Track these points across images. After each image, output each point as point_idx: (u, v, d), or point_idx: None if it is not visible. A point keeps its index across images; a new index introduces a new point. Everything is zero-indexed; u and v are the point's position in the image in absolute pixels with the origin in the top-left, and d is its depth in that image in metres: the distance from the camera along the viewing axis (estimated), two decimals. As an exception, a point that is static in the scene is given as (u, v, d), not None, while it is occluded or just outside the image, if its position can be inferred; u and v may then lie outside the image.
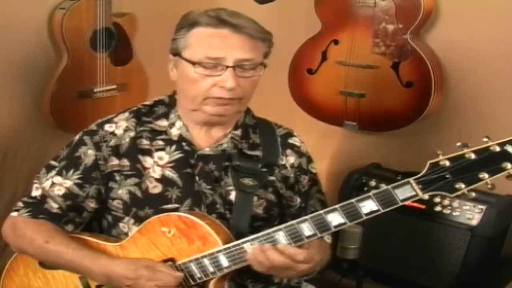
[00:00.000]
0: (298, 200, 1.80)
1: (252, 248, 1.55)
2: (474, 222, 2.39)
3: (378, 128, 2.77)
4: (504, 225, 2.47)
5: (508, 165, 1.41)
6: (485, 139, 1.43)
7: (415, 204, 2.47)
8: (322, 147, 2.96)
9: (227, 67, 1.64)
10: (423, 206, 2.49)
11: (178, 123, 1.75)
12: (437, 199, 2.47)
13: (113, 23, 2.56)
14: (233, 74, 1.64)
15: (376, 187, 2.60)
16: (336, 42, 2.69)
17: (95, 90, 2.57)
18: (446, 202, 2.46)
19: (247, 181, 1.72)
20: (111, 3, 2.51)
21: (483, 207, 2.40)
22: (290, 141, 1.83)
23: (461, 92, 2.66)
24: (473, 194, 1.45)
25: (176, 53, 1.71)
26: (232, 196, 1.72)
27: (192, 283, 1.62)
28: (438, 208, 2.47)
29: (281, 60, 2.74)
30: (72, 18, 2.47)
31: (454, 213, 2.44)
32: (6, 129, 2.53)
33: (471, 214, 2.41)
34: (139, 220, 1.69)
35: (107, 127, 1.75)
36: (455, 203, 2.45)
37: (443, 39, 2.64)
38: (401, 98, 2.63)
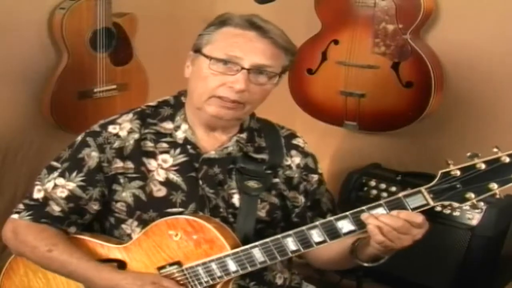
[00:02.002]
0: (303, 199, 1.79)
1: (368, 218, 1.50)
2: (474, 222, 2.39)
3: (378, 128, 2.77)
4: (504, 225, 2.47)
5: None
6: (495, 150, 1.44)
7: (415, 204, 2.48)
8: (322, 147, 2.95)
9: (242, 68, 1.62)
10: (423, 206, 2.48)
11: (184, 126, 1.73)
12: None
13: (113, 23, 2.56)
14: (246, 77, 1.62)
15: (376, 187, 2.60)
16: (336, 42, 2.69)
17: (95, 90, 2.57)
18: (446, 202, 2.46)
19: (252, 183, 1.70)
20: (111, 3, 2.51)
21: (483, 207, 2.40)
22: (294, 142, 1.82)
23: (461, 92, 2.66)
24: (482, 204, 1.47)
25: (197, 49, 1.68)
26: (235, 199, 1.71)
27: (199, 287, 1.62)
28: (438, 208, 2.44)
29: (281, 60, 2.74)
30: (72, 18, 2.47)
31: (454, 213, 2.43)
32: (6, 129, 2.53)
33: (471, 214, 2.40)
34: (142, 222, 1.68)
35: (111, 129, 1.72)
36: (455, 203, 2.44)
37: (443, 39, 2.64)
38: (401, 98, 2.63)
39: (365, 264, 1.62)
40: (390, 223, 1.48)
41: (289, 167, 1.78)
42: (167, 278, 1.61)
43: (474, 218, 2.40)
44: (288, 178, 1.78)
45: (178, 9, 2.93)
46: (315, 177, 1.82)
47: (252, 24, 1.64)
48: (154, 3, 2.84)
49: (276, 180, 1.75)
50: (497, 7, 2.54)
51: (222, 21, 1.67)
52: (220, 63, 1.63)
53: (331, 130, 2.86)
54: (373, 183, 2.62)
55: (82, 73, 2.54)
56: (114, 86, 2.63)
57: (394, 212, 1.49)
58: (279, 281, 1.77)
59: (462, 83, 2.65)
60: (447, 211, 2.44)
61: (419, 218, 1.50)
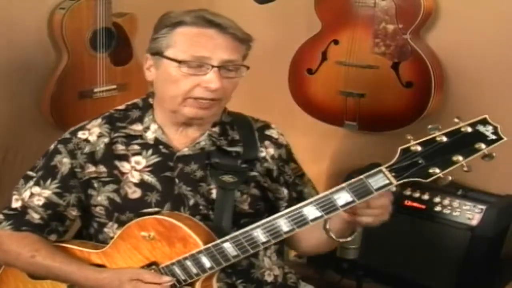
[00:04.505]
0: (286, 191, 1.79)
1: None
2: (474, 222, 2.39)
3: (378, 128, 2.77)
4: (504, 225, 2.47)
5: (482, 146, 1.38)
6: (456, 120, 1.40)
7: (415, 204, 2.49)
8: (322, 147, 2.96)
9: (213, 67, 1.62)
10: (423, 206, 2.49)
11: (153, 126, 1.73)
12: (437, 199, 2.49)
13: (113, 23, 2.56)
14: (218, 74, 1.63)
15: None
16: (336, 42, 2.69)
17: (95, 90, 2.57)
18: (446, 202, 2.47)
19: (227, 177, 1.70)
20: (111, 3, 2.51)
21: (483, 207, 2.40)
22: (267, 132, 1.82)
23: (461, 92, 2.66)
24: (450, 178, 1.41)
25: (157, 53, 1.68)
26: (214, 195, 1.71)
27: (178, 285, 1.61)
28: (438, 208, 2.47)
29: (281, 60, 2.74)
30: (72, 18, 2.47)
31: (454, 213, 2.44)
32: (6, 129, 2.53)
33: (471, 214, 2.41)
34: (122, 224, 1.68)
35: (80, 134, 1.74)
36: (455, 203, 2.45)
37: (443, 39, 2.64)
38: (401, 98, 2.63)
39: (349, 239, 1.64)
40: (382, 203, 1.53)
41: (265, 159, 1.78)
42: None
43: (474, 218, 2.40)
44: (268, 170, 1.78)
45: (178, 9, 2.93)
46: (291, 167, 1.82)
47: (208, 20, 1.65)
48: (154, 3, 2.83)
49: (254, 173, 1.75)
50: (497, 7, 2.53)
51: (175, 23, 1.66)
52: (189, 64, 1.63)
53: (331, 130, 2.86)
54: (373, 183, 2.62)
55: (82, 73, 2.54)
56: (114, 86, 2.63)
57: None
58: (269, 279, 1.77)
59: (462, 83, 2.65)
60: (447, 211, 2.45)
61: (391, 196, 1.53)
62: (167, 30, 1.67)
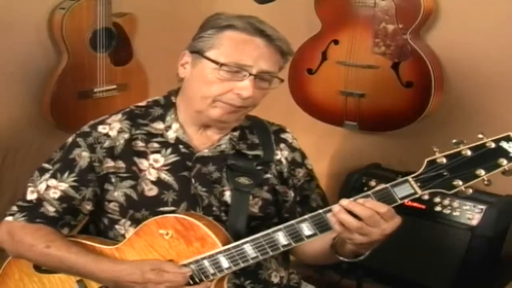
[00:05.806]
0: (292, 194, 1.80)
1: (332, 212, 1.48)
2: (474, 222, 2.40)
3: (378, 128, 2.77)
4: (504, 225, 2.47)
5: (504, 161, 1.41)
6: (480, 136, 1.44)
7: (415, 204, 2.49)
8: (322, 147, 2.96)
9: (250, 74, 1.63)
10: (423, 206, 2.49)
11: (175, 126, 1.73)
12: (437, 199, 2.49)
13: (113, 23, 2.56)
14: (253, 83, 1.63)
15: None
16: (336, 42, 2.69)
17: (95, 90, 2.57)
18: (446, 202, 2.47)
19: (243, 179, 1.71)
20: (111, 3, 2.51)
21: (483, 207, 2.40)
22: (283, 136, 1.84)
23: (461, 92, 2.66)
24: (470, 191, 1.45)
25: (197, 51, 1.68)
26: (226, 196, 1.71)
27: (192, 283, 1.61)
28: (438, 208, 2.47)
29: (281, 60, 2.74)
30: (72, 18, 2.47)
31: (454, 213, 2.44)
32: (6, 129, 2.53)
33: (471, 214, 2.41)
34: (135, 222, 1.68)
35: (101, 129, 1.73)
36: (455, 203, 2.45)
37: (443, 39, 2.64)
38: (401, 98, 2.63)
39: (346, 260, 1.62)
40: (358, 211, 1.46)
41: (280, 161, 1.79)
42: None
43: (474, 218, 2.40)
44: (280, 173, 1.79)
45: (178, 9, 2.93)
46: (302, 171, 1.82)
47: (258, 29, 1.65)
48: (154, 3, 2.84)
49: (268, 175, 1.76)
50: (497, 7, 2.54)
51: (225, 26, 1.66)
52: (229, 69, 1.63)
53: (331, 130, 2.86)
54: (373, 183, 2.62)
55: (82, 73, 2.54)
56: (114, 86, 2.63)
57: (361, 200, 1.47)
58: (275, 280, 1.77)
59: (462, 83, 2.65)
60: (447, 211, 2.45)
61: (383, 208, 1.46)
62: (214, 31, 1.67)
